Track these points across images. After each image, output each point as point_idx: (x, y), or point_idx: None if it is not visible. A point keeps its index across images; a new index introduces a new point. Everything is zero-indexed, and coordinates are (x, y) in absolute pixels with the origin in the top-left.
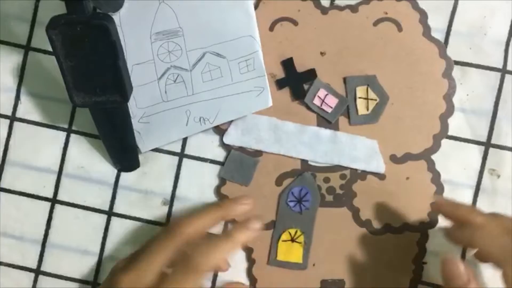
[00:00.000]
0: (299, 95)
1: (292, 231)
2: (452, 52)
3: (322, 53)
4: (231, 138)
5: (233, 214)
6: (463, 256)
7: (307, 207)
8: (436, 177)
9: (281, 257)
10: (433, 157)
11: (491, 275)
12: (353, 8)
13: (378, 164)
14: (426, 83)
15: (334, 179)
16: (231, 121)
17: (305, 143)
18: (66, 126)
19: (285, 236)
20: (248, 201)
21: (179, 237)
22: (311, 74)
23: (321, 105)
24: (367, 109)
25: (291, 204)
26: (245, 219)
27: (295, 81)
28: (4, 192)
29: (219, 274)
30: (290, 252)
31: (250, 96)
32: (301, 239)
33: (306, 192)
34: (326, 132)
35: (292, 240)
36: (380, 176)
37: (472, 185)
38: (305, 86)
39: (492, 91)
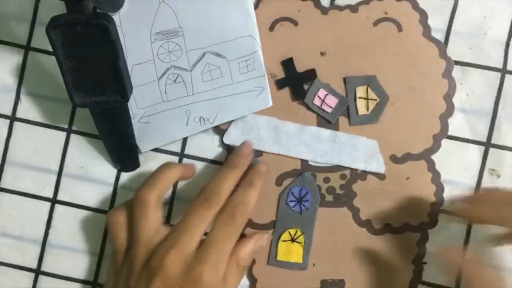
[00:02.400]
0: (299, 95)
1: (292, 231)
2: (452, 52)
3: (322, 53)
4: (231, 138)
5: (245, 167)
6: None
7: (307, 207)
8: (436, 177)
9: (281, 257)
10: (433, 157)
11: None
12: (353, 8)
13: (378, 164)
14: (426, 83)
15: (334, 179)
16: (231, 121)
17: (305, 143)
18: (66, 126)
19: (285, 236)
20: (249, 148)
21: (218, 205)
22: (311, 74)
23: (321, 105)
24: (367, 109)
25: (291, 204)
26: (253, 166)
27: (295, 81)
28: (4, 192)
29: None
30: (290, 252)
31: (250, 96)
32: (301, 239)
33: (306, 192)
34: (326, 132)
35: (292, 240)
36: (380, 176)
37: (472, 185)
38: (305, 86)
39: (492, 91)
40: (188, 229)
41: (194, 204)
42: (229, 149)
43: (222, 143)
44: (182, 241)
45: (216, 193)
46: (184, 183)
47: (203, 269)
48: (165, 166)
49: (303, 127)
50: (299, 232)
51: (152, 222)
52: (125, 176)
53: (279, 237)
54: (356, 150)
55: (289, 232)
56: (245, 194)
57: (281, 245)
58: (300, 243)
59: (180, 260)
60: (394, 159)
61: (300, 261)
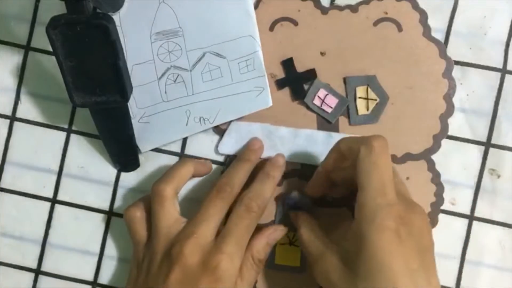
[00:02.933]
0: (299, 95)
1: (291, 234)
2: (452, 52)
3: (322, 53)
4: (226, 147)
5: (256, 161)
6: (463, 256)
7: (305, 210)
8: (436, 177)
9: (279, 260)
10: (433, 157)
11: (491, 276)
12: (353, 8)
13: None
14: (426, 83)
15: None
16: (229, 124)
17: (300, 147)
18: (66, 126)
19: (283, 239)
20: (259, 142)
21: (231, 195)
22: (311, 74)
23: (321, 105)
24: (367, 109)
25: (289, 206)
26: (271, 158)
27: (295, 81)
28: (4, 192)
29: None
30: (288, 255)
31: (250, 96)
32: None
33: (302, 197)
34: (320, 134)
35: (290, 243)
36: None
37: (472, 185)
38: (305, 86)
39: (492, 91)
40: (204, 219)
41: (209, 196)
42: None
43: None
44: (199, 230)
45: (228, 184)
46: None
47: (220, 258)
48: (181, 161)
49: (296, 130)
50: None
51: (170, 214)
52: (125, 176)
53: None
54: None
55: (287, 236)
56: (262, 186)
57: (279, 249)
58: (298, 246)
59: (199, 249)
60: (394, 159)
61: (298, 264)
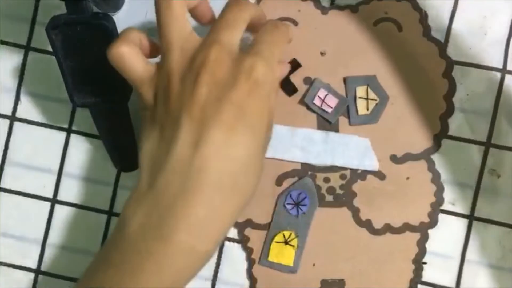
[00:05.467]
0: (289, 90)
1: (287, 233)
2: (452, 52)
3: (322, 53)
4: None
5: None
6: (463, 256)
7: (304, 212)
8: (436, 177)
9: (272, 258)
10: (433, 157)
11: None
12: (353, 8)
13: (371, 162)
14: (426, 83)
15: (334, 179)
16: None
17: (298, 146)
18: (66, 126)
19: (279, 237)
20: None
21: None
22: (294, 64)
23: (321, 105)
24: (367, 109)
25: (288, 206)
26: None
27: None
28: (4, 192)
29: (219, 273)
30: (281, 254)
31: None
32: (295, 242)
33: (304, 196)
34: (318, 133)
35: (286, 242)
36: (380, 176)
37: (472, 185)
38: (305, 86)
39: (492, 91)
40: (225, 26)
41: (227, 8)
42: None
43: None
44: (223, 38)
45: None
46: None
47: (254, 60)
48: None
49: (294, 129)
50: (293, 235)
51: (183, 22)
52: (125, 176)
53: (273, 238)
54: (348, 149)
55: (283, 234)
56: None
57: (274, 246)
58: (293, 246)
59: (226, 56)
60: (394, 159)
61: (291, 264)
